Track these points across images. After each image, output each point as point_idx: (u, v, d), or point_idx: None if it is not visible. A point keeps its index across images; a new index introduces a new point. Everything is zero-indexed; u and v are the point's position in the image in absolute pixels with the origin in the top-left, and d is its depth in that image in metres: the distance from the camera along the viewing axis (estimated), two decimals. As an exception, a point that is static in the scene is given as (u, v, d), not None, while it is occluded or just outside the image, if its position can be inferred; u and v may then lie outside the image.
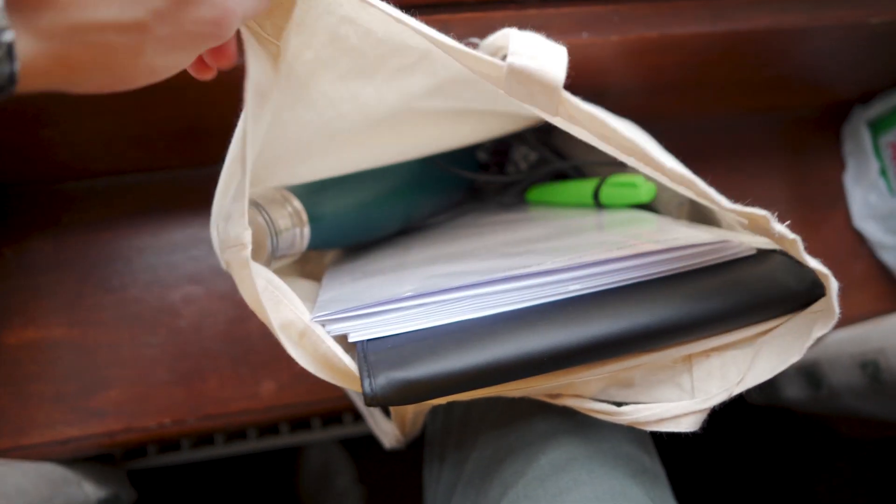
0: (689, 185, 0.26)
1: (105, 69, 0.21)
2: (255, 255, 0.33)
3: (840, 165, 0.67)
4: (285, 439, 0.68)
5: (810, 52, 0.56)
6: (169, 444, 0.68)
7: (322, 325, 0.28)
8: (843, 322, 0.63)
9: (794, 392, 0.68)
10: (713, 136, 0.65)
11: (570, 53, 0.49)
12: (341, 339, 0.28)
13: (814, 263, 0.26)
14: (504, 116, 0.45)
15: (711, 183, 0.43)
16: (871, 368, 0.57)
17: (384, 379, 0.25)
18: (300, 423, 0.71)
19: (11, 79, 0.19)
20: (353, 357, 0.27)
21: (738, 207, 0.26)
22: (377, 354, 0.26)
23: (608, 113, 0.41)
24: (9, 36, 0.18)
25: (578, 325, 0.27)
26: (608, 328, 0.27)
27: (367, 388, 0.25)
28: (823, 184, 0.67)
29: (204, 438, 0.69)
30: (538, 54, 0.25)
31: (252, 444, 0.68)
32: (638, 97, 0.57)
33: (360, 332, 0.28)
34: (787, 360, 0.28)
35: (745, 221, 0.28)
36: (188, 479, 0.86)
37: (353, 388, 0.27)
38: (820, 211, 0.67)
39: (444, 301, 0.28)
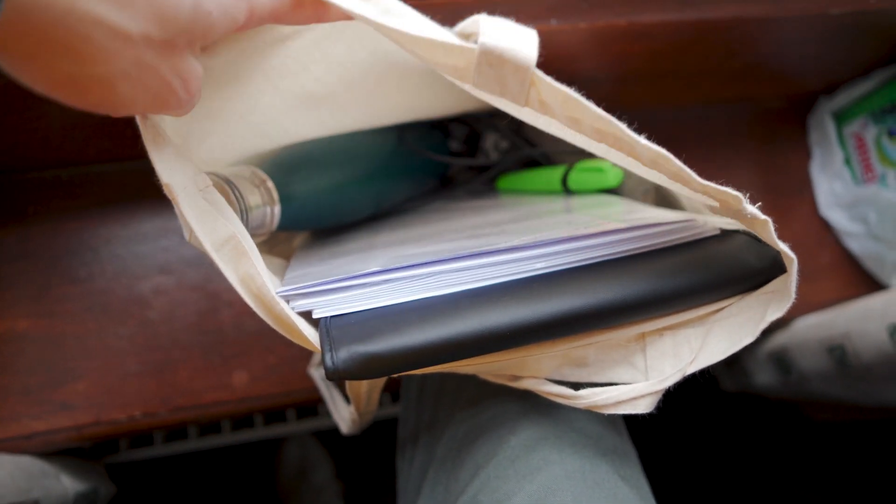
0: (664, 162, 0.26)
1: (70, 60, 0.21)
2: None
3: (806, 155, 0.69)
4: (260, 432, 0.68)
5: (776, 43, 0.56)
6: (141, 437, 0.68)
7: (286, 301, 0.28)
8: (811, 308, 0.64)
9: (766, 378, 0.69)
10: (683, 125, 0.66)
11: (539, 40, 0.49)
12: (307, 314, 0.28)
13: (782, 246, 0.26)
14: None
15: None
16: (837, 353, 0.58)
17: (345, 352, 0.25)
18: (275, 415, 0.70)
19: None
20: (312, 329, 0.27)
21: (713, 185, 0.26)
22: (339, 329, 0.26)
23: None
24: None
25: (539, 301, 0.27)
26: (568, 304, 0.27)
27: (329, 362, 0.25)
28: (790, 173, 0.68)
29: (177, 432, 0.68)
30: (510, 36, 0.25)
31: (227, 438, 0.67)
32: (607, 86, 0.58)
33: (324, 308, 0.27)
34: (740, 341, 0.28)
35: (716, 204, 0.28)
36: (166, 474, 0.85)
37: (311, 348, 0.27)
38: (787, 199, 0.68)
39: (408, 277, 0.28)
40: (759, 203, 0.28)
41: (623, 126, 0.25)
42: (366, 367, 0.25)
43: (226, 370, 0.55)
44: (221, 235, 0.27)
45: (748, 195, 0.27)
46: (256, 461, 0.94)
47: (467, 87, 0.26)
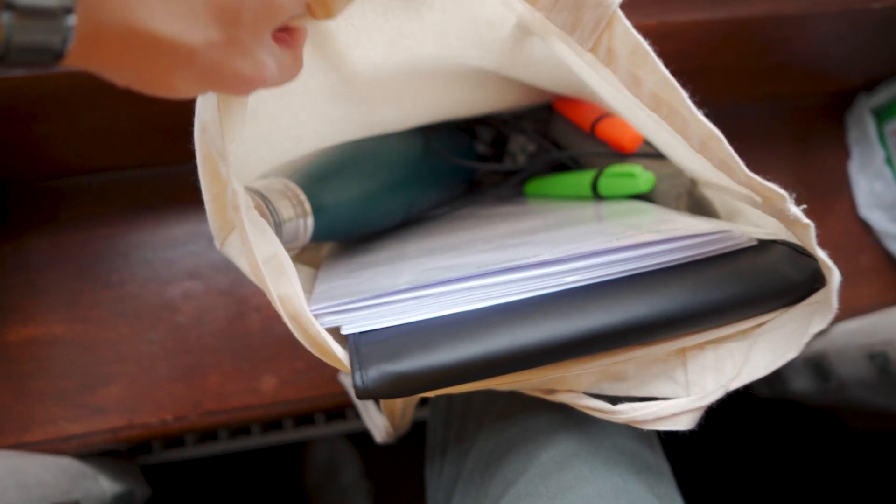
0: (715, 145, 0.25)
1: (135, 73, 0.22)
2: None
3: (845, 154, 0.67)
4: (289, 434, 0.68)
5: (812, 39, 0.55)
6: (173, 439, 0.68)
7: (317, 318, 0.27)
8: (851, 313, 0.62)
9: (802, 385, 0.67)
10: (715, 124, 0.64)
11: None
12: (335, 329, 0.28)
13: (822, 255, 0.25)
14: (505, 85, 0.45)
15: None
16: (879, 360, 0.57)
17: (375, 371, 0.25)
18: (304, 418, 0.71)
19: (58, 57, 0.19)
20: (345, 347, 0.27)
21: (758, 179, 0.25)
22: (369, 347, 0.26)
23: None
24: (71, 21, 0.18)
25: (572, 318, 0.26)
26: (602, 321, 0.26)
27: (359, 381, 0.25)
28: (828, 173, 0.66)
29: (208, 434, 0.69)
30: None
31: (256, 440, 0.68)
32: (638, 87, 0.57)
33: (353, 324, 0.27)
34: (784, 355, 0.27)
35: (759, 199, 0.27)
36: (197, 474, 0.86)
37: (344, 370, 0.27)
38: (824, 200, 0.66)
39: (438, 293, 0.27)
40: (804, 206, 0.27)
41: (684, 95, 0.24)
42: (396, 387, 0.25)
43: (254, 375, 0.55)
44: (265, 252, 0.27)
45: (794, 196, 0.26)
46: (285, 461, 0.95)
47: (534, 17, 0.25)
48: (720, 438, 0.90)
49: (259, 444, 0.68)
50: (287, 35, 0.28)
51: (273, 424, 0.69)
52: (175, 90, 0.23)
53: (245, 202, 0.27)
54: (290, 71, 0.28)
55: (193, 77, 0.23)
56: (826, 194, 0.66)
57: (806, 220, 0.26)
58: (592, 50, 0.25)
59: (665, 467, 0.37)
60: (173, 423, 0.54)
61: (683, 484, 0.37)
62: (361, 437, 0.92)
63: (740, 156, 0.69)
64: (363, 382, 0.25)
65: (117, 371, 0.54)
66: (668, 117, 0.25)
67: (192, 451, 0.67)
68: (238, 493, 0.92)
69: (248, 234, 0.26)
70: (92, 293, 0.55)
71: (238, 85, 0.24)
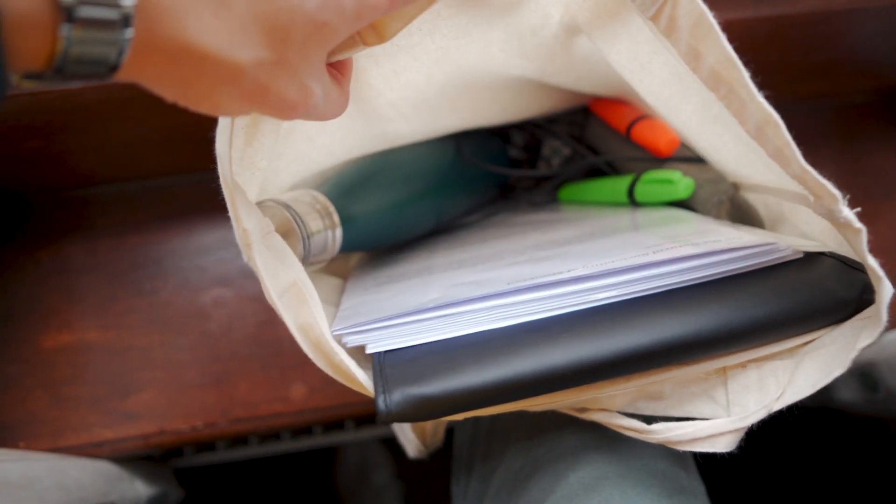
0: (772, 131, 0.23)
1: (182, 88, 0.22)
2: None
3: (896, 154, 0.63)
4: (319, 440, 0.68)
5: (862, 35, 0.52)
6: (204, 445, 0.69)
7: (341, 337, 0.27)
8: (901, 322, 0.59)
9: (848, 394, 0.64)
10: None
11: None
12: (356, 350, 0.27)
13: (872, 263, 0.23)
14: (545, 92, 0.44)
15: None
16: (932, 371, 0.54)
17: (399, 395, 0.24)
18: (333, 424, 0.70)
19: (113, 69, 0.19)
20: (368, 370, 0.26)
21: (813, 173, 0.24)
22: (394, 368, 0.25)
23: None
24: (129, 34, 0.19)
25: (605, 338, 0.25)
26: (636, 341, 0.25)
27: (382, 405, 0.24)
28: (878, 174, 0.63)
29: (239, 439, 0.69)
30: None
31: (286, 445, 0.68)
32: (676, 87, 0.55)
33: (378, 343, 0.26)
34: (831, 373, 0.25)
35: (811, 198, 0.25)
36: (229, 476, 0.87)
37: (368, 394, 0.26)
38: (874, 202, 0.63)
39: (466, 311, 0.26)
40: (859, 209, 0.25)
41: (745, 75, 0.22)
42: (420, 410, 0.24)
43: (284, 382, 0.55)
44: (283, 283, 0.26)
45: (847, 197, 0.25)
46: (317, 462, 0.95)
47: None
48: (758, 450, 0.87)
49: (289, 449, 0.68)
50: (336, 70, 0.27)
51: (303, 430, 0.69)
52: (219, 108, 0.23)
53: (259, 231, 0.26)
54: (336, 105, 0.27)
55: (238, 95, 0.22)
56: (876, 196, 0.63)
57: (858, 225, 0.24)
58: (654, 18, 0.24)
59: (700, 489, 0.35)
60: (203, 429, 0.54)
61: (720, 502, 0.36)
62: (392, 439, 0.92)
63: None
64: (386, 406, 0.24)
65: (149, 378, 0.54)
66: (726, 97, 0.24)
67: (223, 456, 0.68)
68: (271, 495, 0.92)
69: (262, 271, 0.26)
70: (125, 300, 0.55)
71: (282, 109, 0.24)
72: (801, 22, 0.48)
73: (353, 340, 0.27)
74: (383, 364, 0.25)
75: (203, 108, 0.23)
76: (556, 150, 0.53)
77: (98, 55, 0.19)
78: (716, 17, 0.45)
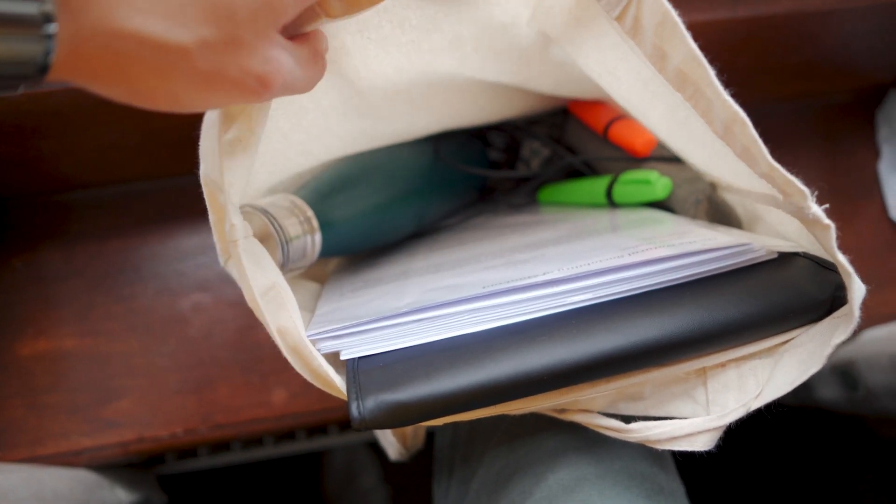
0: (739, 129, 0.23)
1: (127, 83, 0.20)
2: None
3: (874, 153, 0.64)
4: (303, 445, 0.68)
5: (840, 35, 0.53)
6: (185, 451, 0.68)
7: (314, 343, 0.26)
8: (880, 319, 0.60)
9: (829, 393, 0.65)
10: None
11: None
12: (332, 356, 0.27)
13: (842, 259, 0.23)
14: (523, 95, 0.44)
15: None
16: (910, 368, 0.54)
17: (373, 402, 0.24)
18: (317, 428, 0.70)
19: (43, 70, 0.18)
20: (342, 376, 0.26)
21: (781, 170, 0.24)
22: (367, 374, 0.25)
23: None
24: (52, 28, 0.17)
25: (583, 340, 0.25)
26: (615, 343, 0.25)
27: (355, 412, 0.24)
28: (857, 173, 0.64)
29: (221, 445, 0.68)
30: None
31: (269, 451, 0.68)
32: (656, 88, 0.55)
33: (352, 349, 0.26)
34: (808, 370, 0.25)
35: (780, 196, 0.25)
36: (213, 483, 0.86)
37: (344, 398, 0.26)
38: (853, 201, 0.63)
39: (440, 316, 0.26)
40: (827, 205, 0.25)
41: (711, 73, 0.22)
42: (394, 417, 0.24)
43: (265, 387, 0.54)
44: (262, 285, 0.26)
45: (815, 193, 0.25)
46: (303, 466, 0.94)
47: None
48: (738, 450, 0.87)
49: (272, 455, 0.68)
50: (307, 38, 0.26)
51: (286, 435, 0.68)
52: (178, 101, 0.21)
53: (243, 233, 0.26)
54: (314, 68, 0.26)
55: (196, 83, 0.21)
56: (855, 195, 0.63)
57: (826, 221, 0.24)
58: (618, 19, 0.24)
59: (679, 489, 0.35)
60: (183, 436, 0.53)
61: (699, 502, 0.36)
62: (378, 443, 0.92)
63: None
64: (360, 413, 0.24)
65: (129, 385, 0.53)
66: (693, 97, 0.24)
67: (205, 462, 0.67)
68: (257, 500, 0.92)
69: (246, 269, 0.25)
70: (104, 306, 0.55)
71: (251, 86, 0.22)
72: (777, 23, 0.49)
73: (327, 347, 0.26)
74: (357, 370, 0.25)
75: (161, 105, 0.21)
76: (535, 152, 0.53)
77: (24, 56, 0.17)
78: (693, 18, 0.46)
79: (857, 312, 0.24)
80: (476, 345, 0.25)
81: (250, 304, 0.27)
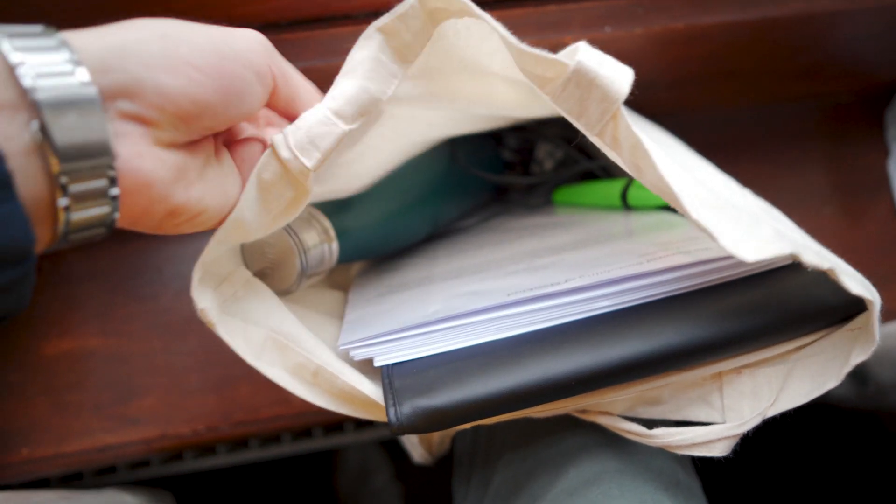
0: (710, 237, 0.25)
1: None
2: (284, 278, 0.33)
3: (883, 152, 0.65)
4: (319, 442, 0.69)
5: (848, 36, 0.53)
6: (204, 449, 0.69)
7: (348, 352, 0.27)
8: (890, 316, 0.60)
9: (839, 389, 0.65)
10: (745, 126, 0.63)
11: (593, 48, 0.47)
12: (362, 364, 0.28)
13: (857, 289, 0.24)
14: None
15: (746, 174, 0.41)
16: (919, 365, 0.55)
17: (409, 407, 0.25)
18: (333, 426, 0.71)
19: (112, 224, 0.23)
20: (373, 385, 0.27)
21: (768, 255, 0.24)
22: (402, 380, 0.26)
23: (657, 137, 0.40)
24: (116, 191, 0.21)
25: (606, 347, 0.26)
26: (637, 349, 0.26)
27: (393, 417, 0.25)
28: (865, 172, 0.64)
29: (239, 443, 0.69)
30: (608, 65, 0.24)
31: (287, 448, 0.69)
32: (664, 90, 0.56)
33: (385, 356, 0.27)
34: (824, 384, 0.27)
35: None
36: (229, 480, 0.87)
37: (376, 418, 0.27)
38: (862, 200, 0.64)
39: (468, 324, 0.27)
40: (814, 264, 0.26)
41: (682, 196, 0.23)
42: (430, 421, 0.25)
43: (284, 386, 0.55)
44: (256, 341, 0.27)
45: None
46: (317, 465, 0.96)
47: (544, 97, 0.25)
48: (749, 443, 0.88)
49: (290, 452, 0.69)
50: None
51: (303, 433, 0.69)
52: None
53: (216, 313, 0.28)
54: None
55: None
56: (863, 194, 0.64)
57: (826, 265, 0.24)
58: (598, 135, 0.25)
59: (696, 485, 0.36)
60: (205, 433, 0.55)
61: (715, 500, 0.37)
62: (391, 442, 0.92)
63: (773, 156, 0.68)
64: (398, 419, 0.25)
65: (151, 383, 0.55)
66: (671, 202, 0.25)
67: (223, 460, 0.68)
68: (271, 499, 0.93)
69: (230, 343, 0.27)
70: (126, 306, 0.56)
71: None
72: (785, 24, 0.49)
73: (361, 354, 0.27)
74: (392, 377, 0.26)
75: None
76: (549, 153, 0.53)
77: (98, 217, 0.22)
78: (702, 20, 0.46)
79: (877, 334, 0.25)
80: (505, 351, 0.26)
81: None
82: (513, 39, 0.25)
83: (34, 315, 0.55)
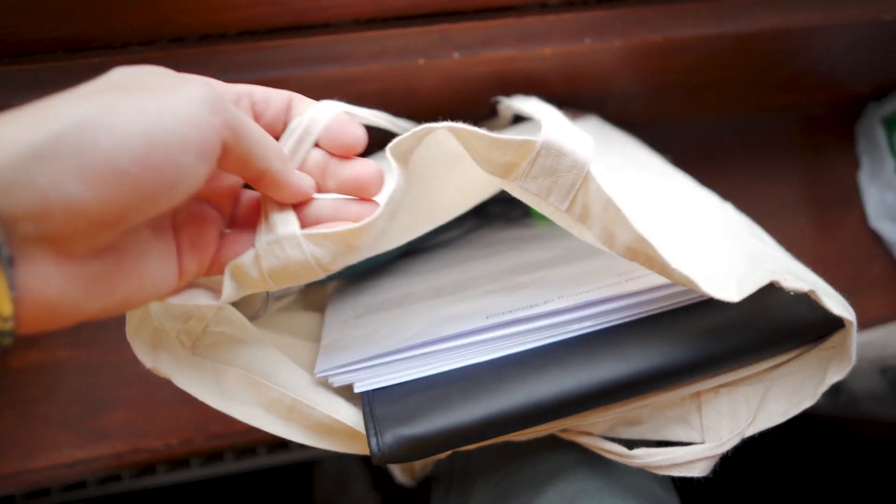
0: (693, 287, 0.25)
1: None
2: (249, 304, 0.32)
3: (854, 164, 0.66)
4: (295, 455, 0.68)
5: (822, 51, 0.54)
6: (178, 462, 0.68)
7: (327, 378, 0.27)
8: (861, 326, 0.61)
9: (811, 397, 0.66)
10: (722, 137, 0.63)
11: (572, 60, 0.47)
12: (340, 390, 0.27)
13: (837, 310, 0.24)
14: None
15: (723, 185, 0.42)
16: (891, 374, 0.56)
17: (391, 437, 0.24)
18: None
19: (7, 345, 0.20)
20: (351, 411, 0.27)
21: (750, 291, 0.25)
22: (383, 407, 0.25)
23: (632, 153, 0.40)
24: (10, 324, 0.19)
25: (587, 370, 0.26)
26: (618, 372, 0.26)
27: (375, 448, 0.24)
28: (837, 183, 0.66)
29: (214, 455, 0.68)
30: (570, 135, 0.25)
31: (263, 460, 0.68)
32: (642, 101, 0.56)
33: (365, 381, 0.27)
34: (800, 403, 0.27)
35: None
36: (204, 495, 0.86)
37: (356, 451, 0.27)
38: (834, 211, 0.65)
39: (448, 348, 0.27)
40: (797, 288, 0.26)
41: (657, 248, 0.24)
42: (412, 450, 0.24)
43: (260, 398, 0.55)
44: (227, 384, 0.27)
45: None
46: (294, 475, 0.94)
47: (507, 187, 0.25)
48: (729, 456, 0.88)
49: (265, 465, 0.68)
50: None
51: (279, 444, 0.69)
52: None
53: (170, 367, 0.28)
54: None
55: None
56: (836, 205, 0.65)
57: (806, 288, 0.25)
58: (568, 210, 0.25)
59: (674, 501, 0.36)
60: (178, 447, 0.53)
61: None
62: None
63: (749, 167, 0.68)
64: (380, 449, 0.24)
65: (122, 395, 0.53)
66: (647, 263, 0.25)
67: (197, 473, 0.67)
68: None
69: (196, 394, 0.27)
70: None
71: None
72: (762, 38, 0.50)
73: (340, 381, 0.27)
74: (373, 404, 0.26)
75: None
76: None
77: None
78: (680, 33, 0.47)
79: (853, 354, 0.25)
80: (486, 375, 0.26)
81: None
82: (481, 131, 0.24)
83: (0, 327, 0.53)
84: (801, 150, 0.65)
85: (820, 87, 0.61)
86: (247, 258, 0.24)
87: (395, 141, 0.24)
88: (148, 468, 0.67)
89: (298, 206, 0.25)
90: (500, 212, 0.54)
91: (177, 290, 0.25)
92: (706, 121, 0.63)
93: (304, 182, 0.25)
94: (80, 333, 0.54)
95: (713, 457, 0.27)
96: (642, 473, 0.35)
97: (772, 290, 0.29)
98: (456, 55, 0.43)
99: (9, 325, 0.19)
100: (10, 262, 0.18)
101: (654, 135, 0.55)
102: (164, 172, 0.20)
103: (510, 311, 0.27)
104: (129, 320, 0.26)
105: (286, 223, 0.23)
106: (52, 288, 0.19)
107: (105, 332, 0.54)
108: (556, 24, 0.45)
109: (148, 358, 0.27)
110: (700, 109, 0.61)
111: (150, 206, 0.21)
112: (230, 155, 0.22)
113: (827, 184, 0.65)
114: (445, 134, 0.25)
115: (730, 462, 0.29)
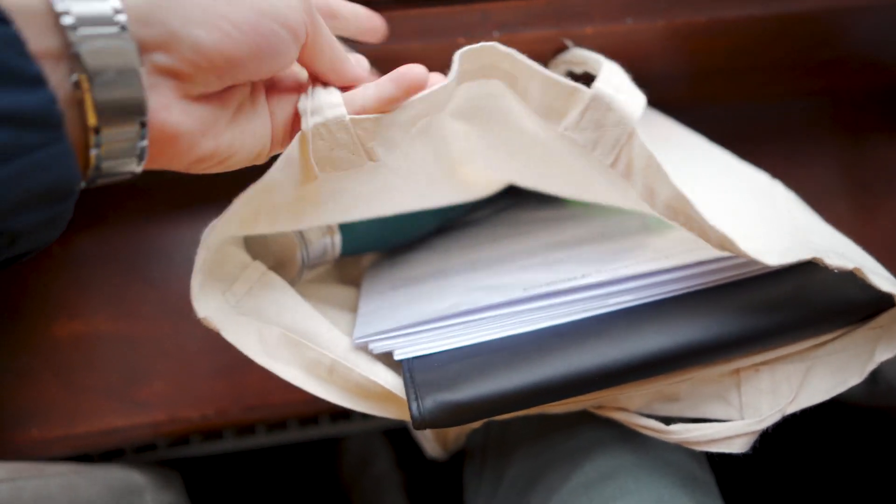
0: (730, 246, 0.25)
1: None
2: (286, 272, 0.33)
3: (897, 149, 0.64)
4: (325, 429, 0.69)
5: (870, 30, 0.53)
6: (212, 433, 0.70)
7: (365, 346, 0.27)
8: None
9: (851, 387, 0.65)
10: (764, 120, 0.62)
11: (614, 40, 0.47)
12: (378, 358, 0.27)
13: (886, 287, 0.24)
14: None
15: (762, 168, 0.41)
16: (931, 364, 0.54)
17: (432, 402, 0.25)
18: (340, 414, 0.71)
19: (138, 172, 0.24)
20: (391, 377, 0.27)
21: (790, 260, 0.25)
22: (424, 374, 0.26)
23: (675, 134, 0.40)
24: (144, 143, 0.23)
25: (628, 342, 0.26)
26: (660, 345, 0.25)
27: (416, 412, 0.25)
28: (881, 167, 0.64)
29: (246, 428, 0.70)
30: (623, 88, 0.25)
31: (293, 434, 0.69)
32: (684, 83, 0.55)
33: (405, 349, 0.27)
34: (846, 381, 0.26)
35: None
36: (233, 464, 0.88)
37: (394, 415, 0.27)
38: (878, 196, 0.63)
39: (487, 318, 0.27)
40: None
41: (695, 205, 0.24)
42: (453, 416, 0.25)
43: (295, 371, 0.55)
44: (271, 340, 0.27)
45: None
46: (322, 452, 0.96)
47: (556, 130, 0.26)
48: (762, 441, 0.87)
49: (296, 439, 0.69)
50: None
51: (310, 420, 0.70)
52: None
53: (217, 321, 0.28)
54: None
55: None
56: (879, 190, 0.63)
57: (850, 266, 0.25)
58: (612, 165, 0.25)
59: (709, 478, 0.36)
60: (214, 417, 0.55)
61: (729, 495, 0.37)
62: (394, 430, 0.92)
63: (789, 151, 0.67)
64: (420, 413, 0.25)
65: (161, 367, 0.55)
66: (686, 224, 0.25)
67: (230, 444, 0.68)
68: (276, 483, 0.93)
69: (240, 347, 0.27)
70: (136, 291, 0.56)
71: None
72: (808, 18, 0.49)
73: (379, 347, 0.27)
74: (413, 371, 0.26)
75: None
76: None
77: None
78: (724, 14, 0.46)
79: None
80: (527, 345, 0.26)
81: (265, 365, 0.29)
82: (541, 68, 0.25)
83: (46, 299, 0.55)
84: (840, 134, 0.63)
85: (867, 68, 0.59)
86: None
87: (464, 49, 0.25)
88: (182, 439, 0.68)
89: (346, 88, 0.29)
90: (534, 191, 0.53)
91: (269, 154, 0.30)
92: (748, 104, 0.62)
93: (361, 64, 0.30)
94: (120, 306, 0.55)
95: (753, 433, 0.27)
96: (679, 450, 0.35)
97: (818, 268, 0.29)
98: (496, 34, 0.43)
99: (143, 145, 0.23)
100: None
101: (694, 118, 0.55)
102: (268, 39, 0.24)
103: (548, 284, 0.27)
104: (195, 274, 0.29)
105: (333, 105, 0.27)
106: (173, 115, 0.23)
107: (143, 305, 0.55)
108: (597, 4, 0.45)
109: (202, 307, 0.27)
110: (742, 92, 0.60)
111: (255, 66, 0.25)
112: (307, 44, 0.27)
113: (871, 169, 0.63)
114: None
115: (765, 448, 0.29)
